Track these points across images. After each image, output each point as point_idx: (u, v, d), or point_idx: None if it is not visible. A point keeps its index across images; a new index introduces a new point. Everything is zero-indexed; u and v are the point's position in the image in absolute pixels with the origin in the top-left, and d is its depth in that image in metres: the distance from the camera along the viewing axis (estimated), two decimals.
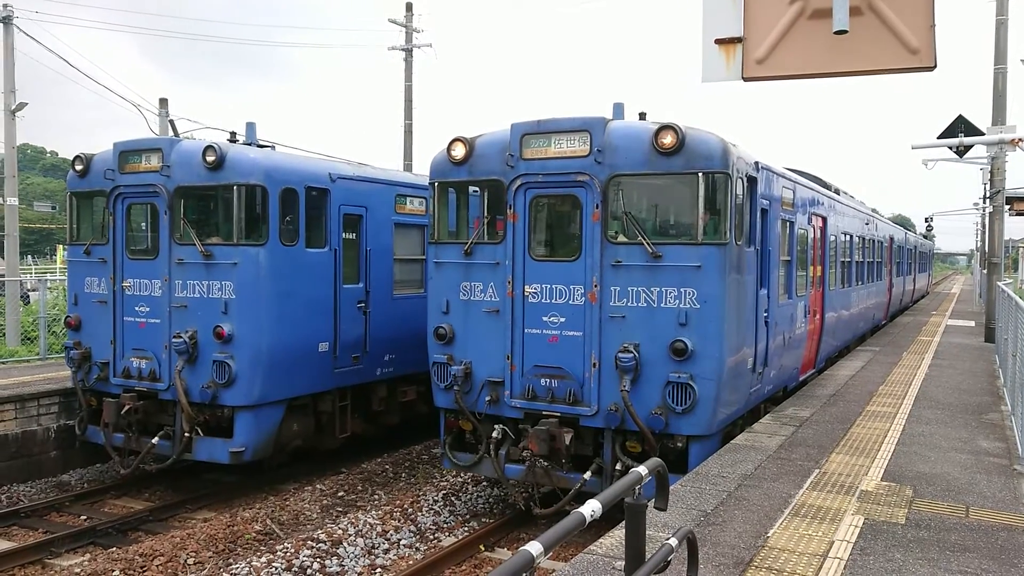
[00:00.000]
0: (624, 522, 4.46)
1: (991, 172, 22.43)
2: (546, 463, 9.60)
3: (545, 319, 9.79)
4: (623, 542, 4.46)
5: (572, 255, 9.75)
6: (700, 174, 9.03)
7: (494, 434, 10.06)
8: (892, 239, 27.02)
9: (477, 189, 10.36)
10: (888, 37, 5.36)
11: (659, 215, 9.84)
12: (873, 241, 21.95)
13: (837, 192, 17.71)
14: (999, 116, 19.79)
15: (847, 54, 5.51)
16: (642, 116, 10.09)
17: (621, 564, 4.36)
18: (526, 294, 9.88)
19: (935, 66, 5.35)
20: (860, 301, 19.63)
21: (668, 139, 9.03)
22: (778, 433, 10.07)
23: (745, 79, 5.90)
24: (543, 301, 9.81)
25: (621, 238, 9.49)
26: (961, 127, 18.99)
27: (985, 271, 24.96)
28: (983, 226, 44.70)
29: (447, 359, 10.27)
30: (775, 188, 11.34)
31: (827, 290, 15.13)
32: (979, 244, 59.37)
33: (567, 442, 9.48)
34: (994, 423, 10.96)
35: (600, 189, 9.43)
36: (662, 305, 9.18)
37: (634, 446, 9.46)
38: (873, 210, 25.87)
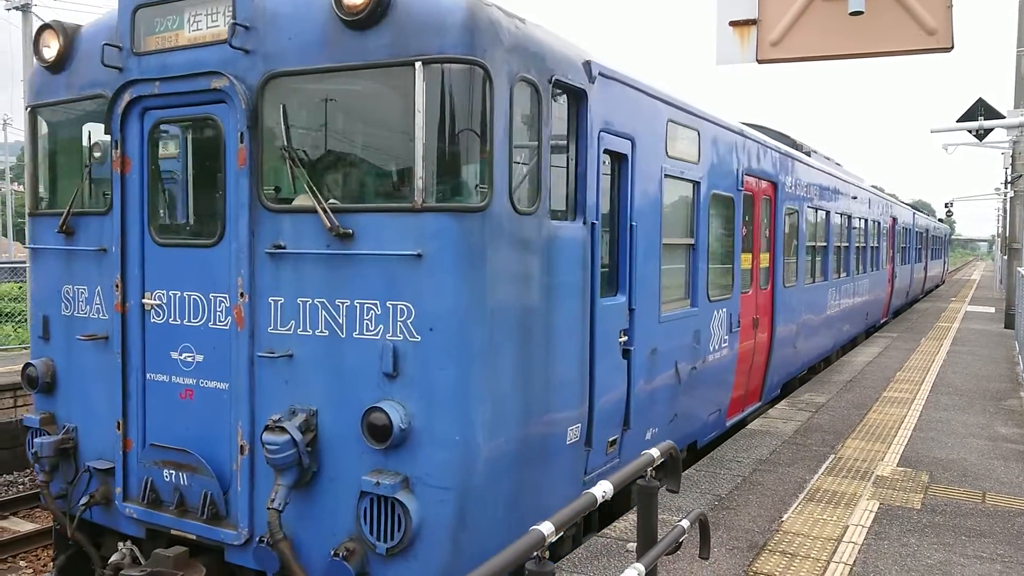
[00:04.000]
0: (636, 505, 4.48)
1: (1012, 156, 22.19)
2: None
3: (176, 356, 5.59)
4: (636, 525, 4.48)
5: (212, 235, 5.47)
6: (419, 64, 4.68)
7: (115, 557, 5.89)
8: (895, 220, 22.89)
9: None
10: (904, 18, 5.31)
11: (350, 152, 5.43)
12: (866, 221, 17.89)
13: (809, 154, 13.47)
14: (1021, 99, 19.54)
15: (863, 36, 5.46)
16: None
17: (633, 546, 4.38)
18: (147, 308, 5.69)
19: (952, 47, 5.29)
20: (843, 298, 15.47)
21: None
22: (793, 419, 10.04)
23: (760, 61, 5.85)
24: (172, 322, 5.60)
25: (300, 201, 5.16)
26: (981, 110, 18.72)
27: (1005, 257, 24.70)
28: (1004, 211, 44.21)
29: (42, 421, 6.21)
30: (647, 119, 6.76)
31: (779, 287, 10.83)
32: (1000, 230, 58.69)
33: None
34: (1012, 409, 10.88)
35: (246, 103, 5.11)
36: (355, 334, 4.93)
37: None
38: (881, 190, 22.80)
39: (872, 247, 18.85)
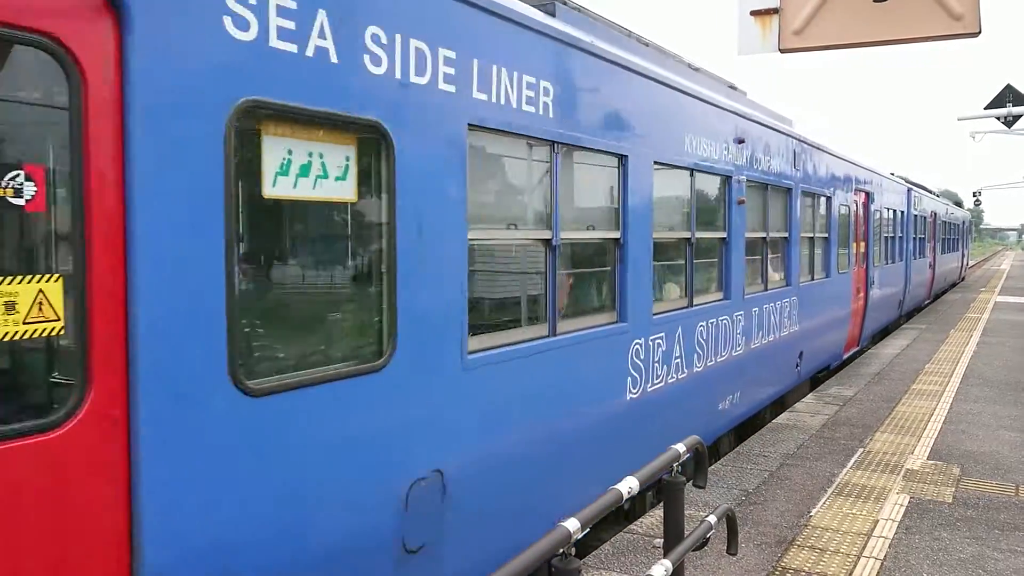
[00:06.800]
0: (663, 502, 4.45)
1: None
2: None
3: None
4: (662, 521, 4.45)
5: None
6: None
7: None
8: (870, 197, 15.47)
9: None
10: (930, 3, 5.21)
11: None
12: (790, 195, 10.39)
13: (647, 45, 7.18)
14: None
15: (887, 22, 5.36)
16: None
17: (660, 542, 4.35)
18: None
19: (980, 32, 5.18)
20: (714, 347, 7.99)
21: None
22: (821, 412, 9.94)
23: (782, 51, 5.77)
24: None
25: None
26: (1009, 96, 18.41)
27: None
28: None
29: None
30: None
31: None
32: None
33: None
34: None
35: None
36: None
37: None
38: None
39: (815, 237, 11.79)
